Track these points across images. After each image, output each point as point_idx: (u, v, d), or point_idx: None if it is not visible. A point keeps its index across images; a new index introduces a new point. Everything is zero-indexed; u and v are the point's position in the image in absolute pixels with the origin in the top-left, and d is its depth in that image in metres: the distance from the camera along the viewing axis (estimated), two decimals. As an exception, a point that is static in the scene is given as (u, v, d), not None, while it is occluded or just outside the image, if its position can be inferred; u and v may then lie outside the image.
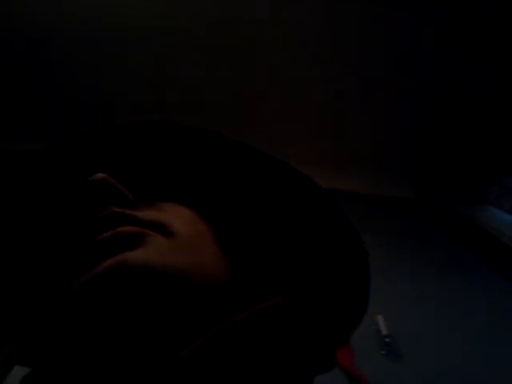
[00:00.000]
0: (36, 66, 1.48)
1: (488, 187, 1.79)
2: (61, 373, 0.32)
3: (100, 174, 0.37)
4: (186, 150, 0.44)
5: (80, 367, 0.31)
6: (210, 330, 0.31)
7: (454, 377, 1.22)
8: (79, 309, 0.31)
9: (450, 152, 1.74)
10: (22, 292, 0.39)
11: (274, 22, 1.38)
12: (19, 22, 1.36)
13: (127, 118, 0.46)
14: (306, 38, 1.45)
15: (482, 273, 1.61)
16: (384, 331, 1.18)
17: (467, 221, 1.71)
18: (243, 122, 1.42)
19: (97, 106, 1.62)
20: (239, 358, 0.31)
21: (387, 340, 1.16)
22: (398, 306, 1.32)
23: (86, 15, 1.36)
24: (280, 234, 0.42)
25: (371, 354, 1.14)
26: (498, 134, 1.68)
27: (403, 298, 1.38)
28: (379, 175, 1.75)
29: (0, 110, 1.56)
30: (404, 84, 1.57)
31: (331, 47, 1.51)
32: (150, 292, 0.31)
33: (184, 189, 0.44)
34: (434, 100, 1.59)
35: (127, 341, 0.31)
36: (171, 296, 0.32)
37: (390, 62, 1.53)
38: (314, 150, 1.60)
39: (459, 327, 1.38)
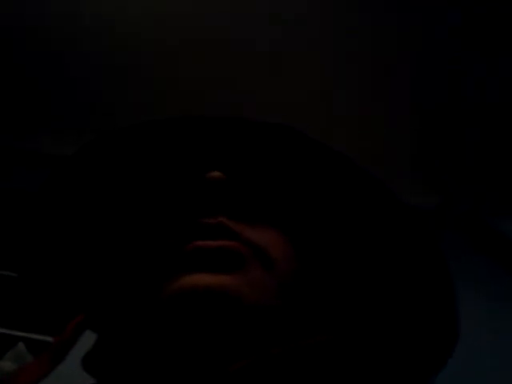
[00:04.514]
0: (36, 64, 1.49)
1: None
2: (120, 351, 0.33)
3: (218, 173, 0.34)
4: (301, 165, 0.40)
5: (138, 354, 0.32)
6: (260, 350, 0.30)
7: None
8: (157, 309, 0.32)
9: (480, 156, 1.59)
10: (107, 267, 0.39)
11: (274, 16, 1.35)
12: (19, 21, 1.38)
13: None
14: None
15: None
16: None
17: (497, 233, 1.52)
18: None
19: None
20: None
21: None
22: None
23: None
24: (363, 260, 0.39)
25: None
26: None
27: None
28: (399, 177, 1.58)
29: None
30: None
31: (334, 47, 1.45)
32: (227, 321, 0.31)
33: (275, 205, 0.40)
34: (460, 100, 1.48)
35: (186, 350, 0.31)
36: (238, 325, 0.31)
37: (404, 61, 1.45)
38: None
39: (487, 348, 1.27)
